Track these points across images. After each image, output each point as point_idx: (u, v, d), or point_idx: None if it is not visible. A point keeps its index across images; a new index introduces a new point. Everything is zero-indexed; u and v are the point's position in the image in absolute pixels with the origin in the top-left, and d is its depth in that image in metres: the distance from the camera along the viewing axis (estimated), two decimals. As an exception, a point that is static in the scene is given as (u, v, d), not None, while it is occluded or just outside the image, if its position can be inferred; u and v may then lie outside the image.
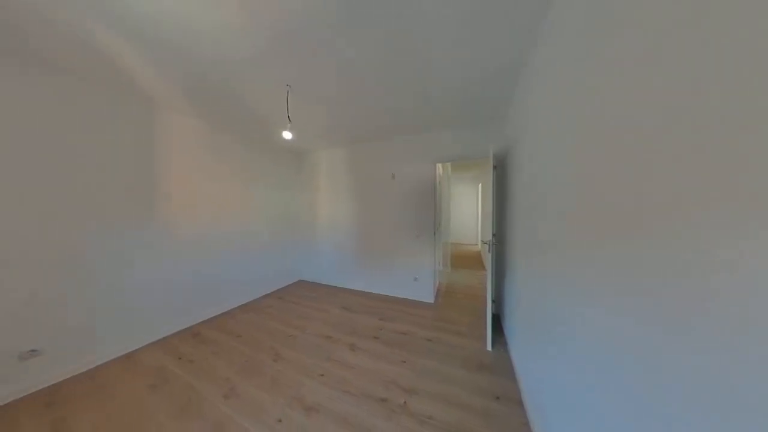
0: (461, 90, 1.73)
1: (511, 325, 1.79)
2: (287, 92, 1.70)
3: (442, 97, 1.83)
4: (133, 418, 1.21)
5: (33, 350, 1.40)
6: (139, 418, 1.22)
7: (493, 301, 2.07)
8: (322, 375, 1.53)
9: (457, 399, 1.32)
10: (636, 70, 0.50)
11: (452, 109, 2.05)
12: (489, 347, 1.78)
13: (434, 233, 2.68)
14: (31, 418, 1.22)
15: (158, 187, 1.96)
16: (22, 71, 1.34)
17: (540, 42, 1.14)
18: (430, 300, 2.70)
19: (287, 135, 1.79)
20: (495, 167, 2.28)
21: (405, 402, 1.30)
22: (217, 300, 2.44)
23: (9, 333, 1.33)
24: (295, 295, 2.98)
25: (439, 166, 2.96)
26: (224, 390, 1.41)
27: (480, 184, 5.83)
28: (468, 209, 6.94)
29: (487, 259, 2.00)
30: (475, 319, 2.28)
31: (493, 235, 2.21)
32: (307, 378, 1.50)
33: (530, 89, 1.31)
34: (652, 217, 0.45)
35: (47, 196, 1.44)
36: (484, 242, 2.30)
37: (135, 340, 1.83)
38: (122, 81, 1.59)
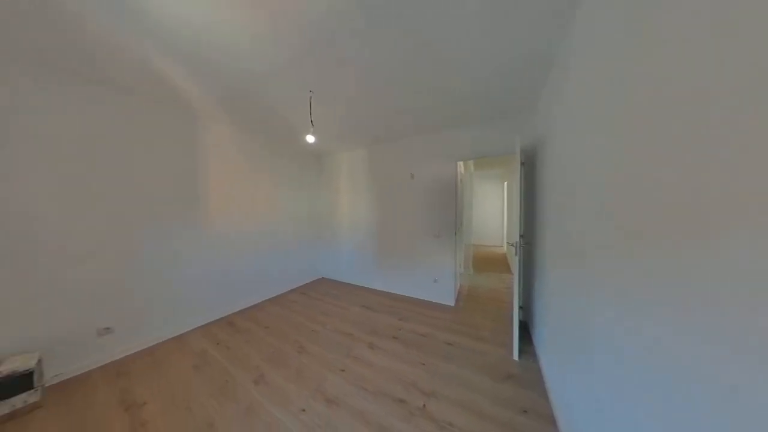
0: (484, 84, 1.64)
1: (541, 333, 1.65)
2: (310, 97, 1.78)
3: (464, 93, 1.76)
4: (180, 395, 1.38)
5: (107, 327, 1.67)
6: (186, 394, 1.38)
7: (520, 308, 1.93)
8: (343, 370, 1.58)
9: (480, 408, 1.26)
10: (705, 40, 0.43)
11: (474, 105, 1.96)
12: (516, 356, 1.67)
13: (455, 234, 2.59)
14: (106, 385, 1.46)
15: (200, 191, 2.20)
16: (95, 98, 1.60)
17: (577, 20, 1.03)
18: (451, 303, 2.62)
19: (310, 138, 1.87)
20: (523, 163, 2.13)
21: (424, 405, 1.29)
22: (248, 293, 2.66)
23: (90, 313, 1.61)
24: (317, 292, 3.11)
25: (461, 164, 2.86)
26: (255, 376, 1.53)
27: (505, 183, 5.48)
28: (492, 209, 6.57)
29: (514, 262, 1.87)
30: (499, 325, 2.15)
31: (521, 236, 2.06)
32: (329, 372, 1.56)
33: (564, 77, 1.19)
34: (723, 218, 0.38)
35: (115, 201, 1.71)
36: (510, 244, 2.17)
37: (184, 324, 2.08)
38: (171, 97, 1.82)
